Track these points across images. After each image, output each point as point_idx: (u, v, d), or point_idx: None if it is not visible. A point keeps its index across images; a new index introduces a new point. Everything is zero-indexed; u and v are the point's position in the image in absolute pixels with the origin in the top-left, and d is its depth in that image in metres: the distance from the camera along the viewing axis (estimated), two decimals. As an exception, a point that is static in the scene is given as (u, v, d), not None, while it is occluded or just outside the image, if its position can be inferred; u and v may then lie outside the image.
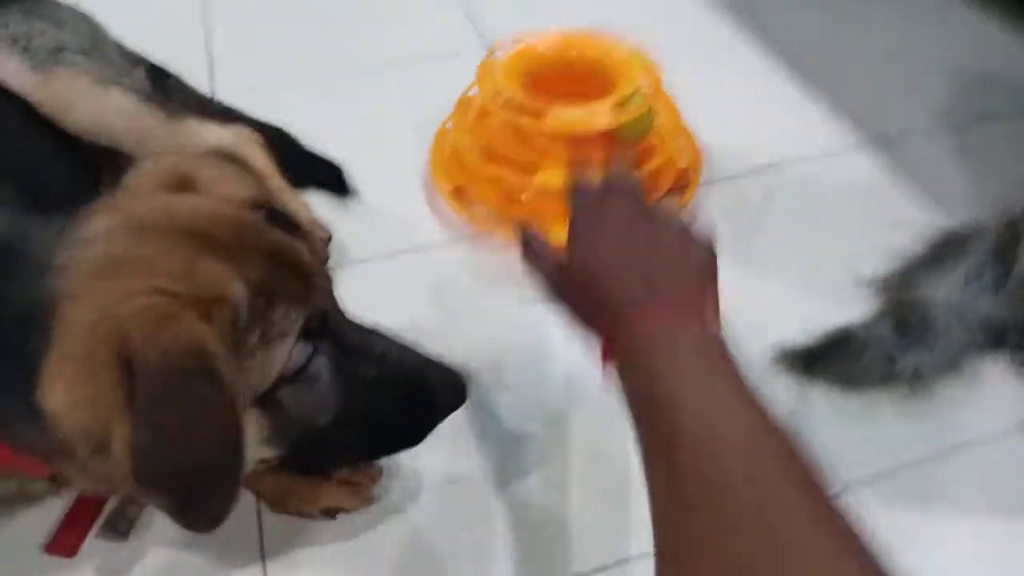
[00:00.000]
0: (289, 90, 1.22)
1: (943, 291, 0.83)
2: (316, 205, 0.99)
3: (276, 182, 1.00)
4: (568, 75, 0.99)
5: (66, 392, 0.44)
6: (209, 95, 1.16)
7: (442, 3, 1.42)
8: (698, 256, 0.55)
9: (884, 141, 1.08)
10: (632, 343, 0.49)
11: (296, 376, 0.51)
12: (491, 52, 1.00)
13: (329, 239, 0.95)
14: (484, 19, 1.37)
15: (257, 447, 0.53)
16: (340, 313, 0.57)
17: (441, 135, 1.09)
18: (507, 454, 0.77)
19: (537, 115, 0.90)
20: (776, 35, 1.28)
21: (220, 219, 0.51)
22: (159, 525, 0.71)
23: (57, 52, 0.82)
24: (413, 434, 0.60)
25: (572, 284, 0.57)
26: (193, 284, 0.47)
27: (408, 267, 0.95)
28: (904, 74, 1.20)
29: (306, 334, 0.51)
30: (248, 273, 0.49)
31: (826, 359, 0.80)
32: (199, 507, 0.47)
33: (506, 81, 0.94)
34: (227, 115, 1.07)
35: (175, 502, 0.46)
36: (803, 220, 0.98)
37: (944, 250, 0.89)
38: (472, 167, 0.98)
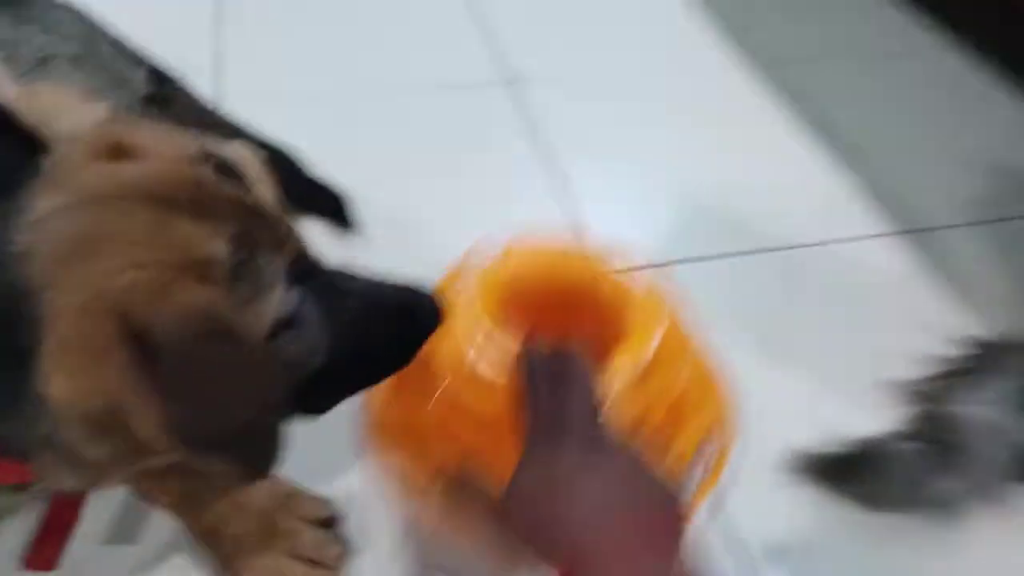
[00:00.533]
0: (298, 103, 1.17)
1: (976, 410, 0.77)
2: (314, 234, 0.93)
3: (271, 204, 0.95)
4: (567, 306, 0.73)
5: (70, 380, 0.42)
6: (213, 103, 1.10)
7: (460, 31, 1.38)
8: (661, 500, 0.50)
9: (920, 232, 1.03)
10: None
11: (289, 322, 0.51)
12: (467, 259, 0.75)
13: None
14: (502, 48, 1.32)
15: None
16: (314, 256, 0.57)
17: None
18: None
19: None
20: (811, 108, 1.23)
21: (175, 179, 0.49)
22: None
23: (44, 62, 0.78)
24: (402, 356, 0.61)
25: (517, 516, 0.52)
26: (175, 250, 0.45)
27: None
28: (947, 165, 1.15)
29: (292, 279, 0.51)
30: (223, 228, 0.48)
31: (848, 472, 0.74)
32: (257, 454, 0.48)
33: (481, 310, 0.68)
34: (228, 130, 1.03)
35: (235, 458, 0.47)
36: (826, 310, 0.93)
37: (979, 362, 0.83)
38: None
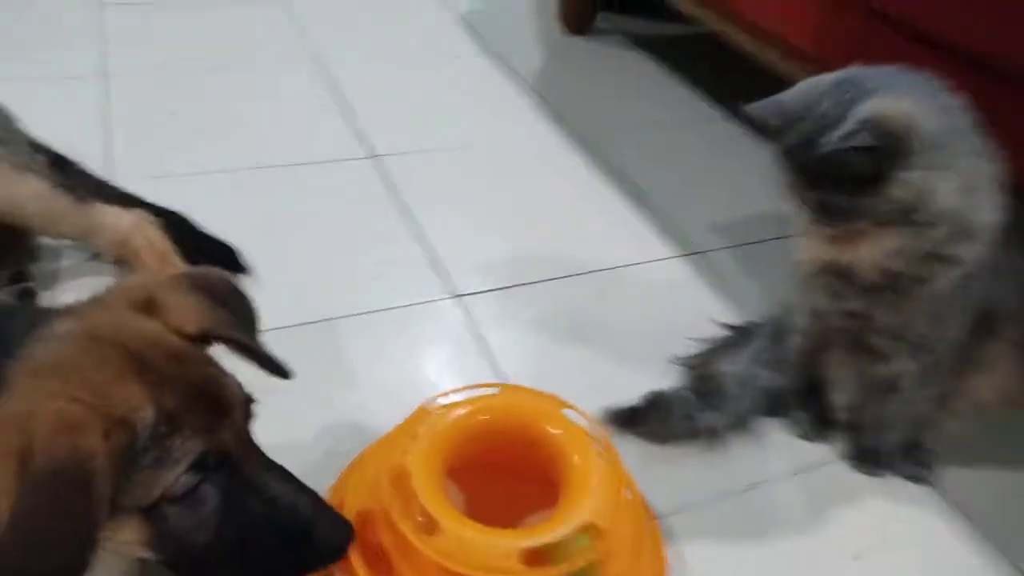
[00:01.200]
0: (182, 181, 1.34)
1: (733, 367, 1.04)
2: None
3: (172, 260, 1.11)
4: (508, 451, 0.80)
5: None
6: (107, 180, 1.25)
7: (323, 111, 1.62)
8: None
9: (695, 254, 1.34)
10: None
11: (182, 498, 0.57)
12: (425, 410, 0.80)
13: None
14: (362, 128, 1.56)
15: (136, 548, 0.59)
16: (249, 448, 0.63)
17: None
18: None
19: (427, 529, 0.67)
20: (614, 167, 1.55)
21: (160, 346, 0.58)
22: None
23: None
24: (287, 570, 0.64)
25: None
26: (109, 400, 0.52)
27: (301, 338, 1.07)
28: (714, 205, 1.47)
29: (200, 465, 0.57)
30: (163, 401, 0.55)
31: (642, 417, 0.98)
32: None
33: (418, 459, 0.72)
34: (126, 199, 1.17)
35: None
36: (629, 311, 1.20)
37: (735, 337, 1.11)
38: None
